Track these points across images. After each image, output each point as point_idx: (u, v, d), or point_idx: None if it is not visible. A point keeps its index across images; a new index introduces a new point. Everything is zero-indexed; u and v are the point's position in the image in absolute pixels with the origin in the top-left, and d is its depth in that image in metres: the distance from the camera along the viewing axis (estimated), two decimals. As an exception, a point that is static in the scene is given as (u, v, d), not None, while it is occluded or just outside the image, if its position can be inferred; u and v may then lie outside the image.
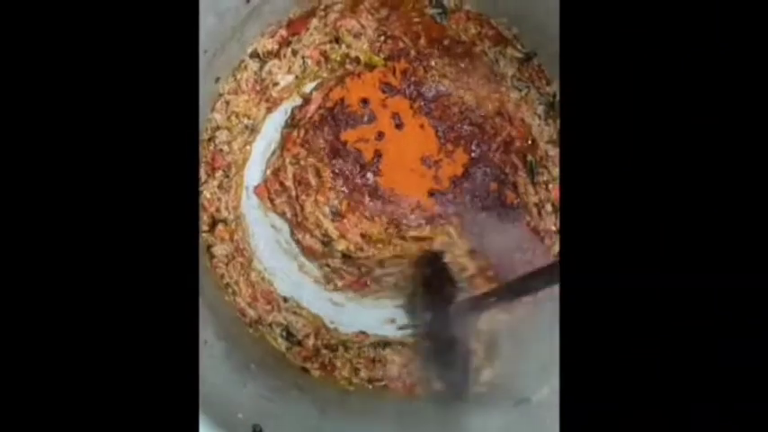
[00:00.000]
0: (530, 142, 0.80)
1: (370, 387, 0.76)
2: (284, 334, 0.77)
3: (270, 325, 0.77)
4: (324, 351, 0.77)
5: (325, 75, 0.80)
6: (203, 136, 0.77)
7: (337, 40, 0.80)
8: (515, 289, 0.61)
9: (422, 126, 0.78)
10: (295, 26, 0.79)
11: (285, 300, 0.79)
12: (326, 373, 0.76)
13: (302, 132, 0.77)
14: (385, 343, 0.78)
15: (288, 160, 0.77)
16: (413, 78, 0.78)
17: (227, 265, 0.77)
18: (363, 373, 0.76)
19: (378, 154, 0.77)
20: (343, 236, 0.77)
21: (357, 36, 0.79)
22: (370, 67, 0.79)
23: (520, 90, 0.80)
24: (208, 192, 0.77)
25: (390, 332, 0.78)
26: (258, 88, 0.79)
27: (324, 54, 0.80)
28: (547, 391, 0.65)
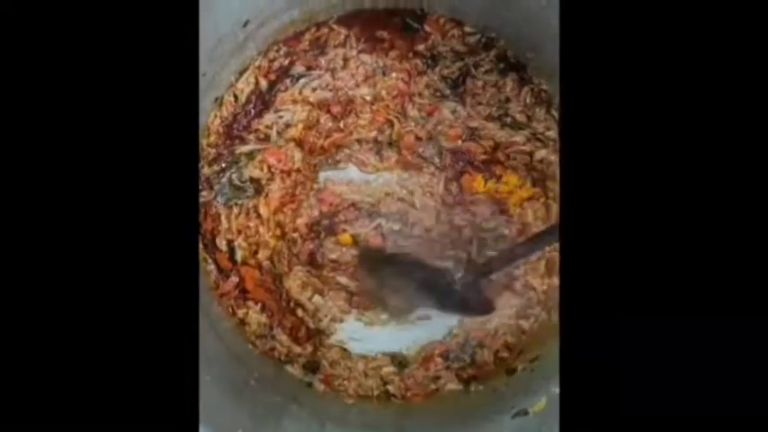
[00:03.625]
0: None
1: (368, 399, 0.76)
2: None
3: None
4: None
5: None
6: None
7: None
8: (519, 252, 0.67)
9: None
10: (289, 43, 0.80)
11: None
12: (325, 385, 0.76)
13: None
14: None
15: None
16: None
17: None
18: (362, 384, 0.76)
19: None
20: None
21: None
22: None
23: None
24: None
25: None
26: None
27: None
28: (544, 401, 0.65)
